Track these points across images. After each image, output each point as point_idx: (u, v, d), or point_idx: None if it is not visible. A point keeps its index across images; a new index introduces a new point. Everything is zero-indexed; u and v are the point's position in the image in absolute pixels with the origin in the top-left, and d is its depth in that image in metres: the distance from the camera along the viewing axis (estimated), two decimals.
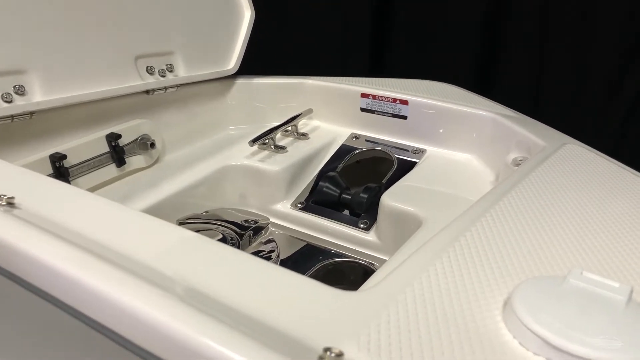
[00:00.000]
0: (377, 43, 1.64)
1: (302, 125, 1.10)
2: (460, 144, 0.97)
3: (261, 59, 1.26)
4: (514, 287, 0.41)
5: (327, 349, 0.33)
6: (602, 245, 0.49)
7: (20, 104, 0.75)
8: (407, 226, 0.79)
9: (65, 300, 0.39)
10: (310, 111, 1.11)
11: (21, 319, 0.40)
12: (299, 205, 0.96)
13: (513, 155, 0.84)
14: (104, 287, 0.37)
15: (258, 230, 0.86)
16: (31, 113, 0.77)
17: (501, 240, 0.49)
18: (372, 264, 0.87)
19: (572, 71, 1.44)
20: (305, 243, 0.91)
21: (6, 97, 0.74)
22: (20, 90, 0.75)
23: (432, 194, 0.86)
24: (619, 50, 1.38)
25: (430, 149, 1.00)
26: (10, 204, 0.48)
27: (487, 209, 0.55)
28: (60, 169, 0.79)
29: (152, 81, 0.93)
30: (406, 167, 0.97)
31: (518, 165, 0.81)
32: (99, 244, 0.44)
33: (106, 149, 0.87)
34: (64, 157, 0.79)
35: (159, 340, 0.34)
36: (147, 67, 0.93)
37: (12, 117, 0.75)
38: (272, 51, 1.54)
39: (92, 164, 0.84)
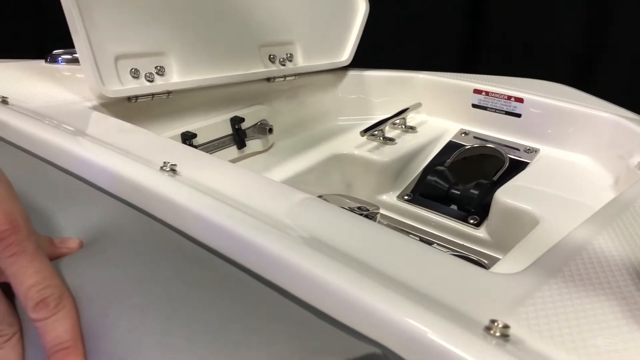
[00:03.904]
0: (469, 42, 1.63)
1: (410, 118, 1.11)
2: (577, 146, 0.95)
3: (368, 52, 1.28)
4: None
5: (493, 321, 0.34)
6: None
7: (160, 84, 0.81)
8: (522, 224, 0.78)
9: (250, 267, 0.42)
10: (418, 105, 1.11)
11: (209, 285, 0.41)
12: (406, 197, 0.97)
13: (638, 159, 0.81)
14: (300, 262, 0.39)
15: (369, 218, 0.88)
16: (168, 92, 0.83)
17: None
18: (480, 260, 0.86)
19: None
20: (409, 234, 0.92)
21: (149, 77, 0.80)
22: (161, 71, 0.81)
23: (548, 194, 0.84)
24: None
25: (544, 148, 0.98)
26: (173, 170, 0.53)
27: (634, 200, 0.54)
28: (190, 147, 0.84)
29: (274, 69, 0.97)
30: (517, 166, 0.96)
31: None
32: (270, 216, 0.47)
33: (230, 131, 0.91)
34: (194, 135, 0.84)
35: (352, 311, 0.36)
36: (270, 55, 0.97)
37: (152, 95, 0.81)
38: (377, 45, 1.55)
39: (217, 144, 0.89)
